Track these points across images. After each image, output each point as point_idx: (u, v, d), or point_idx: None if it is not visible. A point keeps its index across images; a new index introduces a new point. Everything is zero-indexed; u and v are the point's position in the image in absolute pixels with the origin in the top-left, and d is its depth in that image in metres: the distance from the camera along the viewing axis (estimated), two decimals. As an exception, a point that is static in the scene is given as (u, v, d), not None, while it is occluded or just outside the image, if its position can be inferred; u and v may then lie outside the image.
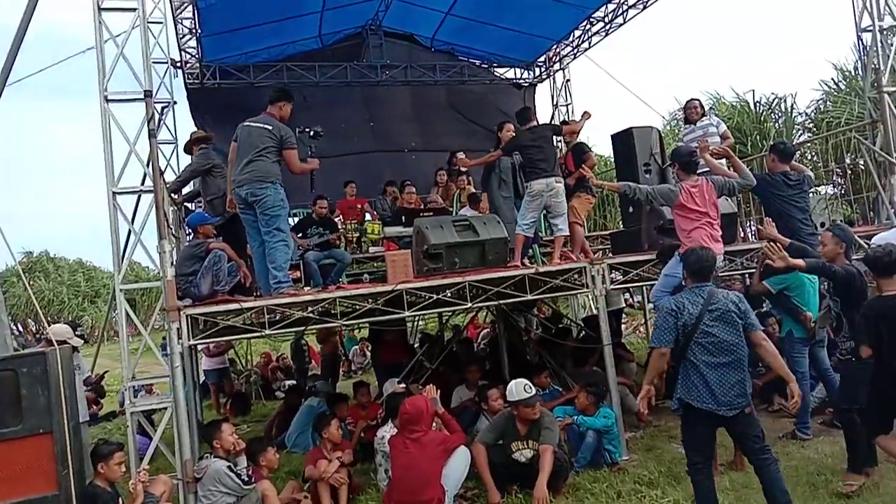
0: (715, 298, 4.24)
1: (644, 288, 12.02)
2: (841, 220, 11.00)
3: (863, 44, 8.31)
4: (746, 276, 8.51)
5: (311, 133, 6.72)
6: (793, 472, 5.06)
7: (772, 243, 5.33)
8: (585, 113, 7.71)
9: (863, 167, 9.50)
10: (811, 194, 7.53)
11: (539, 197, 6.98)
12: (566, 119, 8.13)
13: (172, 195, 7.24)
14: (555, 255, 7.19)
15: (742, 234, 7.42)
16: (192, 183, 7.77)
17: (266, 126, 6.16)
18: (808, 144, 12.82)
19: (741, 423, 4.21)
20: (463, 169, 9.18)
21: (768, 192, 6.31)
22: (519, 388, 5.51)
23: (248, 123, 6.25)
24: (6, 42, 6.30)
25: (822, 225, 8.65)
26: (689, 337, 4.18)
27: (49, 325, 6.48)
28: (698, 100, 8.05)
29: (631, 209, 8.34)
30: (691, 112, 7.93)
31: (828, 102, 15.56)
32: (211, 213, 6.92)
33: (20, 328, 30.39)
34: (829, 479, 4.96)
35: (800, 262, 5.18)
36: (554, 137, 7.46)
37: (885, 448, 4.55)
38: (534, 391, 5.56)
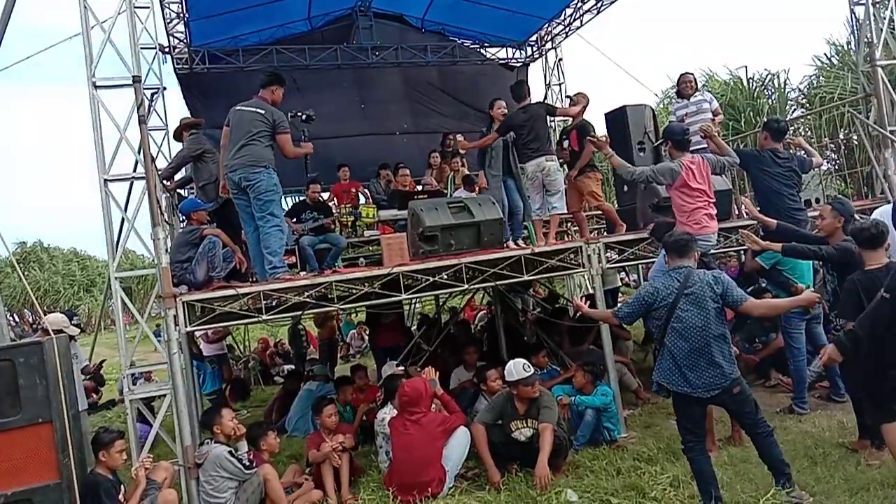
0: (691, 281, 4.23)
1: (640, 266, 12.07)
2: (836, 195, 11.04)
3: (855, 17, 8.26)
4: (741, 252, 8.56)
5: (304, 117, 6.73)
6: (791, 446, 5.10)
7: (745, 230, 5.39)
8: (581, 96, 7.55)
9: (856, 142, 9.51)
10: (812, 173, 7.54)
11: (534, 178, 6.97)
12: (570, 96, 7.93)
13: (164, 182, 7.18)
14: (550, 235, 7.18)
15: (737, 212, 7.40)
16: (184, 169, 7.70)
17: (258, 110, 6.11)
18: (802, 120, 12.82)
19: (731, 402, 4.26)
20: (462, 151, 9.12)
21: (757, 168, 6.29)
22: (518, 367, 5.53)
23: (239, 107, 6.20)
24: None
25: (818, 201, 8.68)
26: (665, 322, 4.23)
27: (45, 315, 6.45)
28: (692, 74, 7.98)
29: (626, 188, 8.35)
30: (685, 86, 7.84)
31: (821, 77, 15.56)
32: (203, 198, 6.89)
33: (16, 318, 30.36)
34: (827, 453, 5.00)
35: (776, 245, 5.21)
36: (547, 116, 7.38)
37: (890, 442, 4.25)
38: (532, 370, 5.58)
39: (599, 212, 8.49)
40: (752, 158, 6.33)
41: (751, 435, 4.36)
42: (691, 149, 6.11)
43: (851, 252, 4.75)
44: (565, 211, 7.37)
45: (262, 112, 6.10)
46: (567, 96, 7.52)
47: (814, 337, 6.31)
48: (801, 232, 5.65)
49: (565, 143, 7.72)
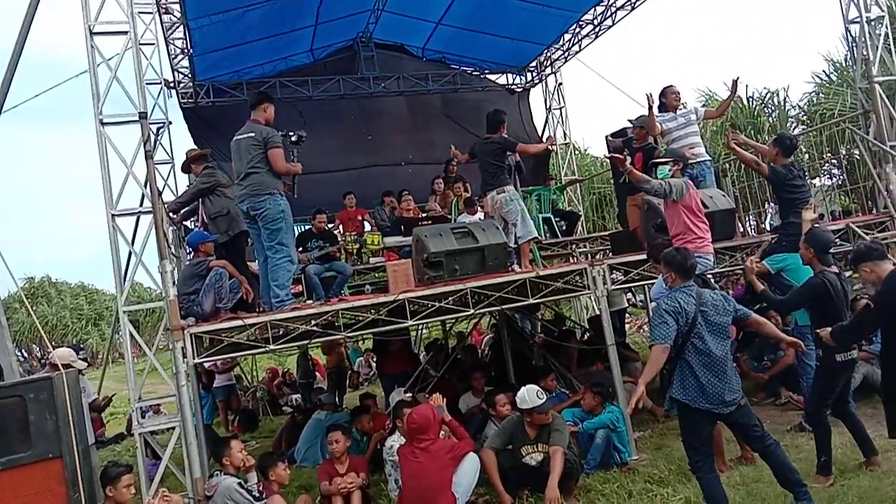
0: (704, 298, 4.29)
1: (646, 287, 12.05)
2: (839, 212, 11.05)
3: (851, 35, 8.34)
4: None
5: (294, 138, 6.61)
6: (803, 464, 5.04)
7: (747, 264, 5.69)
8: (549, 139, 7.66)
9: (858, 157, 9.52)
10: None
11: (494, 211, 7.14)
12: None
13: (171, 215, 7.24)
14: (523, 263, 7.23)
15: (741, 230, 7.42)
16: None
17: (250, 134, 6.21)
18: (803, 137, 12.87)
19: (739, 416, 4.27)
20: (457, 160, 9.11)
21: (788, 184, 6.40)
22: (531, 394, 5.50)
23: (236, 137, 6.32)
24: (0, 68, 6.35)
25: (822, 217, 8.71)
26: (686, 337, 4.22)
27: (53, 350, 6.48)
28: (676, 86, 7.97)
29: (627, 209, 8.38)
30: (673, 98, 7.74)
31: (820, 94, 15.64)
32: (215, 231, 6.90)
33: (25, 354, 30.38)
34: (840, 470, 4.96)
35: (758, 285, 5.45)
36: (505, 152, 7.27)
37: None
38: (545, 397, 5.58)
39: (603, 233, 8.53)
40: (784, 177, 6.44)
41: (759, 449, 4.37)
42: (689, 161, 6.26)
43: (822, 288, 4.91)
44: (531, 236, 7.40)
45: (253, 134, 6.18)
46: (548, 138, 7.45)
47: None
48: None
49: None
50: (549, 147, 7.48)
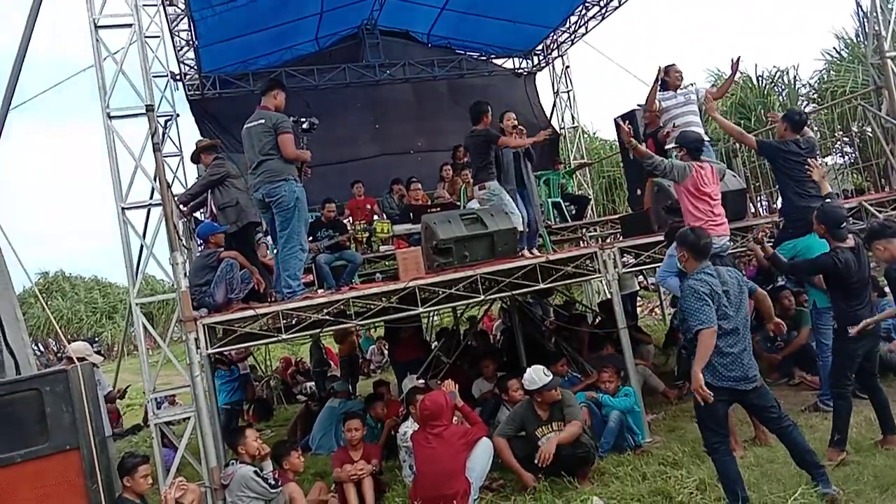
0: (723, 277, 4.29)
1: (657, 269, 12.02)
2: (851, 190, 10.94)
3: (862, 10, 8.23)
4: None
5: (306, 125, 6.53)
6: (817, 444, 5.02)
7: (754, 243, 5.65)
8: (545, 130, 7.63)
9: (870, 134, 9.42)
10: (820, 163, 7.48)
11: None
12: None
13: (181, 207, 7.26)
14: None
15: (753, 210, 7.36)
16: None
17: (260, 121, 6.19)
18: (814, 115, 12.73)
19: (756, 397, 4.27)
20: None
21: (782, 159, 6.26)
22: (538, 374, 5.52)
23: (247, 125, 6.30)
24: (6, 64, 6.37)
25: (837, 195, 8.60)
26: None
27: (68, 344, 6.55)
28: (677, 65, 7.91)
29: (638, 192, 8.33)
30: (676, 76, 7.60)
31: (831, 72, 15.46)
32: (224, 221, 6.91)
33: (41, 348, 30.71)
34: (855, 449, 4.94)
35: (768, 249, 5.41)
36: (489, 144, 7.07)
37: None
38: (551, 375, 5.58)
39: (613, 216, 8.48)
40: (777, 150, 6.30)
41: (776, 431, 4.35)
42: (702, 147, 6.17)
43: (830, 265, 4.85)
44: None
45: (263, 121, 6.16)
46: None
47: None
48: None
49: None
50: (539, 139, 7.33)
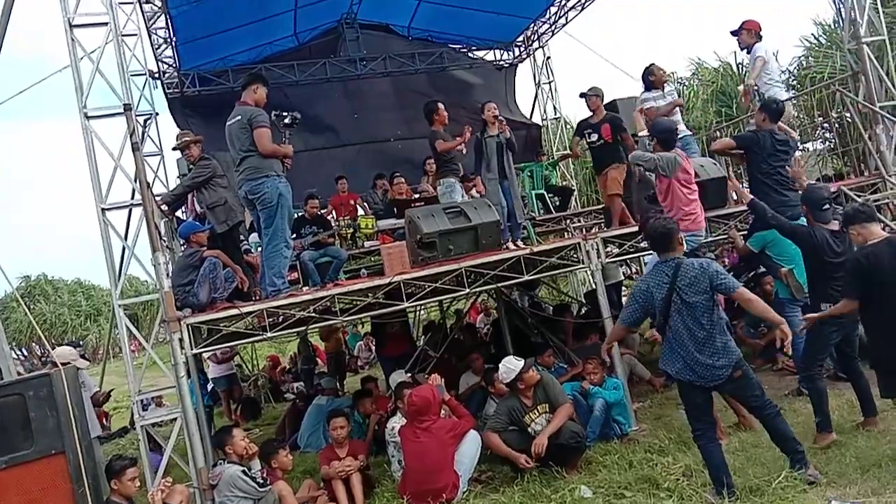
0: (681, 273, 4.22)
1: (641, 259, 12.08)
2: (832, 175, 11.03)
3: (839, -4, 8.29)
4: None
5: (288, 119, 6.36)
6: (801, 428, 5.09)
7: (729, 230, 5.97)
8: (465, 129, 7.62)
9: (849, 120, 9.50)
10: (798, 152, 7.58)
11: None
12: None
13: (163, 206, 7.19)
14: None
15: (734, 198, 7.40)
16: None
17: (237, 118, 6.10)
18: (793, 101, 12.81)
19: (733, 388, 4.33)
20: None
21: (756, 149, 6.29)
22: (511, 363, 5.55)
23: (227, 123, 6.21)
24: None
25: (818, 181, 8.67)
26: (664, 314, 4.26)
27: (52, 348, 6.48)
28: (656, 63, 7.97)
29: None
30: (661, 74, 7.79)
31: (809, 58, 15.53)
32: (213, 221, 6.84)
33: (25, 353, 30.39)
34: (838, 431, 5.00)
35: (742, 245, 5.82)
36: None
37: None
38: (522, 360, 5.60)
39: (597, 207, 8.51)
40: (752, 141, 6.33)
41: (759, 417, 4.40)
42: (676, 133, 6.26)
43: (807, 236, 5.12)
44: None
45: (240, 117, 6.05)
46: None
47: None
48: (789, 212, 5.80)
49: (592, 137, 7.76)
50: (463, 140, 7.39)
